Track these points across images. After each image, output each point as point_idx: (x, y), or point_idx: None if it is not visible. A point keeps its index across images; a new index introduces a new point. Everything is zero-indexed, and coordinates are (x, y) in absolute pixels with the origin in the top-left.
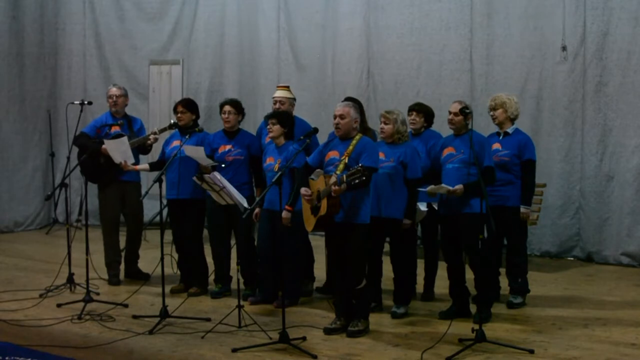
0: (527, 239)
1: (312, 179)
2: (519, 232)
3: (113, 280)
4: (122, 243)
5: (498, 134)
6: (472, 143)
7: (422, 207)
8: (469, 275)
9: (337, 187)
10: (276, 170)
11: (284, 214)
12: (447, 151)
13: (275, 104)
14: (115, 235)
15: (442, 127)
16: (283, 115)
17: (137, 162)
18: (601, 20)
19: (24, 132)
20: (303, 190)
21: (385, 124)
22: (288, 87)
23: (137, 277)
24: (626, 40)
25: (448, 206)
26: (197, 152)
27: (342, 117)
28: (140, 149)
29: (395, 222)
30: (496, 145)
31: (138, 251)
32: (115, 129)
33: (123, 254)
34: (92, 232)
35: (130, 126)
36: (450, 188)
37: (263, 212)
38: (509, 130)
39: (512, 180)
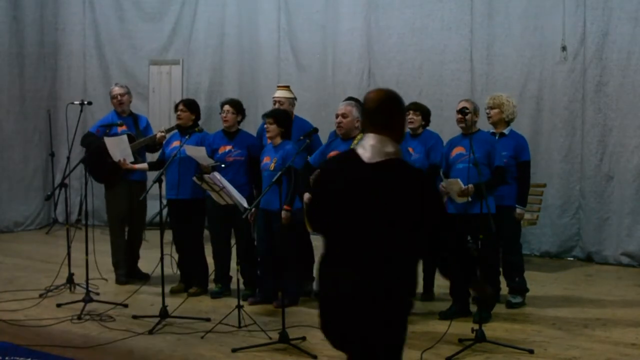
0: (527, 239)
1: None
2: (513, 232)
3: (121, 279)
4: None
5: (493, 134)
6: (472, 145)
7: None
8: None
9: None
10: (272, 169)
11: (283, 213)
12: (457, 151)
13: (274, 104)
14: (122, 235)
15: (443, 126)
16: (280, 115)
17: (145, 161)
18: (601, 20)
19: (24, 132)
20: (306, 198)
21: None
22: (288, 86)
23: (137, 277)
24: (626, 40)
25: (456, 205)
26: (198, 152)
27: (344, 115)
28: (149, 147)
29: None
30: None
31: (139, 251)
32: (122, 129)
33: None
34: (92, 232)
35: (136, 124)
36: (463, 185)
37: (259, 212)
38: (505, 131)
39: (508, 181)
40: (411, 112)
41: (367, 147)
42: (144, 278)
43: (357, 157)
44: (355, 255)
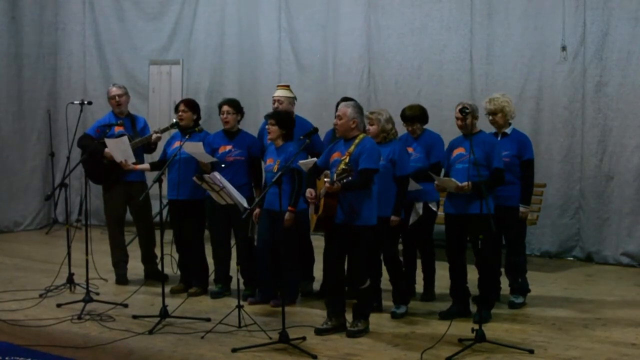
0: (527, 239)
1: (319, 179)
2: (518, 232)
3: (121, 279)
4: (131, 243)
5: (496, 134)
6: (472, 145)
7: (419, 208)
8: (470, 275)
9: (329, 185)
10: (275, 171)
11: (287, 215)
12: (457, 151)
13: (274, 103)
14: (120, 236)
15: (442, 126)
16: (281, 116)
17: (142, 161)
18: (601, 20)
19: (23, 132)
20: (307, 193)
21: (370, 124)
22: (288, 86)
23: (157, 277)
24: (626, 40)
25: (455, 206)
26: (196, 148)
27: (339, 118)
28: (146, 148)
29: (387, 221)
30: None
31: (154, 251)
32: (119, 129)
33: (140, 255)
34: (92, 232)
35: (133, 125)
36: (459, 183)
37: (263, 212)
38: (507, 130)
39: (512, 180)
40: (408, 125)
41: None
42: (163, 278)
43: None
44: None
